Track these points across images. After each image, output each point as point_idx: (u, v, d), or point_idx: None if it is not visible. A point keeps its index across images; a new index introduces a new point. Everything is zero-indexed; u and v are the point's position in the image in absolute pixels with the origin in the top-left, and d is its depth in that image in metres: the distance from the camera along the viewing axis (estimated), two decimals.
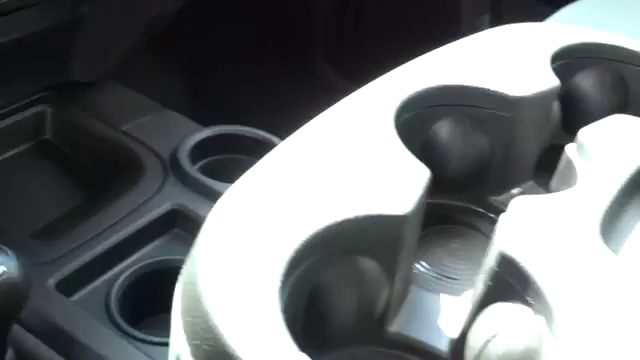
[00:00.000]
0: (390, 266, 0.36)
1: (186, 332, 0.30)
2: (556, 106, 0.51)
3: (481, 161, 0.49)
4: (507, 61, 0.49)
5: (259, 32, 1.38)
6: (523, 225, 0.35)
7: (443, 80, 0.46)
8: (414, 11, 1.28)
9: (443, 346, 0.38)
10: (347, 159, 0.37)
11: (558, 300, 0.30)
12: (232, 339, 0.27)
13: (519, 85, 0.46)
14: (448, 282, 0.44)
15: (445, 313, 0.40)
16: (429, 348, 0.38)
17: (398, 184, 0.36)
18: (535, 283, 0.32)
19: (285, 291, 0.30)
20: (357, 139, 0.39)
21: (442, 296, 0.42)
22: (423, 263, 0.46)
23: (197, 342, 0.29)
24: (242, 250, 0.31)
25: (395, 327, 0.39)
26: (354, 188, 0.35)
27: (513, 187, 0.51)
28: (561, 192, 0.38)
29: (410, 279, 0.41)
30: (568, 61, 0.54)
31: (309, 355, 0.35)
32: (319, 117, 0.40)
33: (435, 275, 0.45)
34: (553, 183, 0.46)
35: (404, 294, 0.40)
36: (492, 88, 0.46)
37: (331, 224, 0.33)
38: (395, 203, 0.34)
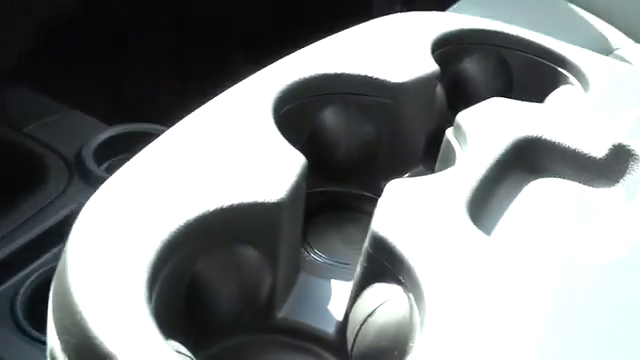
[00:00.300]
0: (271, 254, 0.36)
1: (56, 327, 0.30)
2: (440, 91, 0.53)
3: (369, 148, 0.49)
4: (389, 49, 0.50)
5: (177, 33, 1.37)
6: (395, 207, 0.35)
7: (325, 69, 0.46)
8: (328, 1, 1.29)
9: (330, 329, 0.39)
10: (222, 150, 0.37)
11: (426, 278, 0.31)
12: (98, 332, 0.27)
13: (399, 72, 0.47)
14: (340, 267, 0.45)
15: (334, 297, 0.41)
16: (317, 332, 0.39)
17: (272, 172, 0.36)
18: (405, 262, 0.32)
19: (157, 282, 0.30)
20: (234, 131, 0.39)
21: (333, 281, 0.42)
22: (315, 250, 0.47)
23: (66, 337, 0.29)
24: (111, 243, 0.31)
25: (283, 313, 0.39)
26: (228, 178, 0.35)
27: (404, 172, 0.52)
28: (435, 174, 0.39)
29: (298, 266, 0.42)
30: (452, 47, 0.55)
31: (195, 345, 0.35)
32: (199, 110, 0.40)
33: (327, 261, 0.46)
34: (437, 166, 0.47)
35: (292, 281, 0.41)
36: (373, 75, 0.47)
37: (204, 213, 0.33)
38: (268, 191, 0.35)
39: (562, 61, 0.55)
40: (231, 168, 0.36)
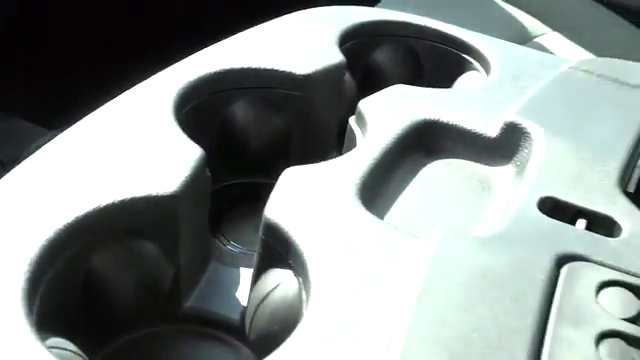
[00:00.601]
0: (171, 246, 0.36)
1: None
2: (350, 81, 0.52)
3: (281, 138, 0.49)
4: (296, 44, 0.49)
5: (117, 34, 1.34)
6: (287, 193, 0.35)
7: (232, 64, 0.46)
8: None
9: (236, 315, 0.38)
10: (118, 147, 0.37)
11: (313, 261, 0.31)
12: None
13: (305, 64, 0.47)
14: (250, 255, 0.44)
15: (242, 285, 0.40)
16: (223, 318, 0.38)
17: (167, 166, 0.35)
18: (294, 247, 0.32)
19: (42, 279, 0.29)
20: (131, 128, 0.38)
21: (243, 269, 0.42)
22: (229, 240, 0.46)
23: None
24: None
25: (191, 302, 0.39)
26: (122, 173, 0.35)
27: (318, 161, 0.51)
28: (331, 160, 0.38)
29: (206, 256, 0.41)
30: (361, 39, 0.55)
31: (99, 339, 0.34)
32: (99, 109, 0.39)
33: (239, 250, 0.45)
34: (343, 153, 0.46)
35: (200, 270, 0.40)
36: (279, 68, 0.46)
37: (95, 209, 0.32)
38: (162, 183, 0.34)
39: (467, 48, 0.55)
40: (126, 164, 0.35)
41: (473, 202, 0.40)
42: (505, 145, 0.42)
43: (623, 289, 0.31)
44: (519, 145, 0.42)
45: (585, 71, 0.50)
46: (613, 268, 0.32)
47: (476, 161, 0.43)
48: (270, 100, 0.47)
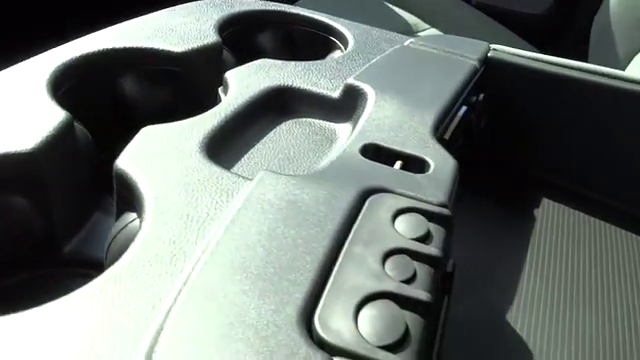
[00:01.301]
0: (41, 199, 0.32)
1: None
2: (230, 58, 0.49)
3: (166, 110, 0.45)
4: (180, 28, 0.46)
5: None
6: (138, 147, 0.32)
7: (119, 44, 0.42)
8: None
9: None
10: None
11: (150, 203, 0.28)
12: None
13: (184, 44, 0.44)
14: None
15: None
16: (98, 260, 0.35)
17: (31, 128, 0.31)
18: (138, 191, 0.29)
19: None
20: (6, 100, 0.34)
21: None
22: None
23: None
24: None
25: (70, 248, 0.35)
26: None
27: None
28: (184, 120, 0.35)
29: (87, 208, 0.37)
30: (244, 26, 0.52)
31: None
32: None
33: None
34: None
35: (79, 221, 0.36)
36: (160, 47, 0.43)
37: None
38: (22, 142, 0.30)
39: (331, 31, 0.52)
40: None
41: (314, 152, 0.37)
42: (346, 105, 0.40)
43: (418, 214, 0.28)
44: (356, 104, 0.39)
45: (422, 45, 0.48)
46: (413, 198, 0.30)
47: (322, 119, 0.40)
48: (153, 76, 0.44)
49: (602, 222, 0.47)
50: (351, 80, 0.40)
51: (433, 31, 1.06)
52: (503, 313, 0.37)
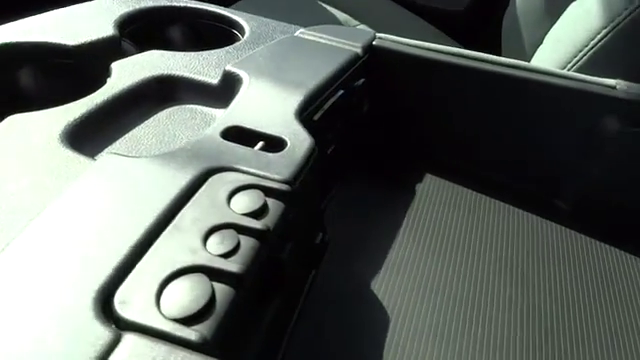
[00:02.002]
0: None
1: None
2: (130, 49, 0.46)
3: (63, 102, 0.42)
4: (79, 24, 0.43)
5: None
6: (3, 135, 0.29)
7: (15, 39, 0.39)
8: None
9: None
10: None
11: None
12: None
13: (79, 38, 0.41)
14: None
15: None
16: None
17: None
18: None
19: None
20: None
21: None
22: None
23: None
24: None
25: None
26: None
27: None
28: (53, 108, 0.32)
29: None
30: (151, 20, 0.49)
31: None
32: None
33: None
34: None
35: None
36: (55, 42, 0.40)
37: None
38: None
39: (231, 23, 0.50)
40: None
41: (187, 137, 0.35)
42: (224, 91, 0.37)
43: (257, 190, 0.27)
44: (234, 90, 0.37)
45: (311, 34, 0.46)
46: (256, 175, 0.28)
47: (203, 105, 0.38)
48: (49, 70, 0.41)
49: (483, 195, 0.46)
50: (229, 67, 0.38)
51: (362, 27, 1.04)
52: (369, 281, 0.36)
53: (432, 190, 0.46)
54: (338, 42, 0.45)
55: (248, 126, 0.32)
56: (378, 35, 0.47)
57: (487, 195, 0.46)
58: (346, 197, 0.43)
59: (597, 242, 0.44)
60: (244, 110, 0.34)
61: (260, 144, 0.32)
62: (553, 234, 0.44)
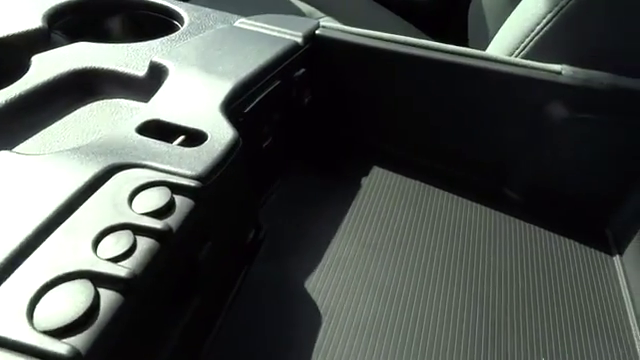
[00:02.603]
0: None
1: None
2: (62, 40, 0.44)
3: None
4: (9, 19, 0.41)
5: None
6: None
7: None
8: None
9: None
10: None
11: None
12: None
13: (6, 31, 0.38)
14: None
15: None
16: None
17: None
18: None
19: None
20: None
21: None
22: None
23: None
24: None
25: None
26: None
27: None
28: None
29: None
30: (77, 14, 0.47)
31: None
32: None
33: None
34: None
35: None
36: None
37: None
38: None
39: (171, 14, 0.47)
40: None
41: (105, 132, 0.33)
42: (151, 83, 0.36)
43: (164, 187, 0.25)
44: (160, 81, 0.35)
45: (251, 24, 0.44)
46: (165, 171, 0.26)
47: (130, 99, 0.36)
48: None
49: (430, 186, 0.45)
50: (156, 58, 0.36)
51: (328, 19, 1.02)
52: (304, 279, 0.34)
53: (378, 182, 0.44)
54: (278, 31, 0.43)
55: (167, 120, 0.30)
56: (322, 24, 0.46)
57: (435, 186, 0.45)
58: (288, 191, 0.41)
59: (547, 232, 0.43)
60: (166, 103, 0.32)
61: (180, 139, 0.30)
62: (502, 225, 0.43)
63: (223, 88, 0.33)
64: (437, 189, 0.45)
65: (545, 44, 0.43)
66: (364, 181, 0.44)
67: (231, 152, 0.29)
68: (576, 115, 0.41)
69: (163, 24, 0.49)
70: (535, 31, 0.43)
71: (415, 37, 0.45)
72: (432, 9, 1.18)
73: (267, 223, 0.37)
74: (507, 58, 0.42)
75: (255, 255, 0.34)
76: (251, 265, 0.34)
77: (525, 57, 0.44)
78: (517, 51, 0.45)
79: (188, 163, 0.27)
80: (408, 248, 0.38)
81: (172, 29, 0.48)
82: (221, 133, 0.30)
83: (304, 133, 0.46)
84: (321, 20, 1.04)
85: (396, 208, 0.42)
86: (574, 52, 0.42)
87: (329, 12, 1.02)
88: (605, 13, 0.40)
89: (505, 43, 0.47)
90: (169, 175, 0.26)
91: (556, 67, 0.41)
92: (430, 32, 1.09)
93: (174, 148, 0.28)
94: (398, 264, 0.37)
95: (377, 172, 0.45)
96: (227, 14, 0.49)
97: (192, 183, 0.25)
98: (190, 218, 0.24)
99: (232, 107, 0.33)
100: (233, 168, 0.29)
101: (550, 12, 0.42)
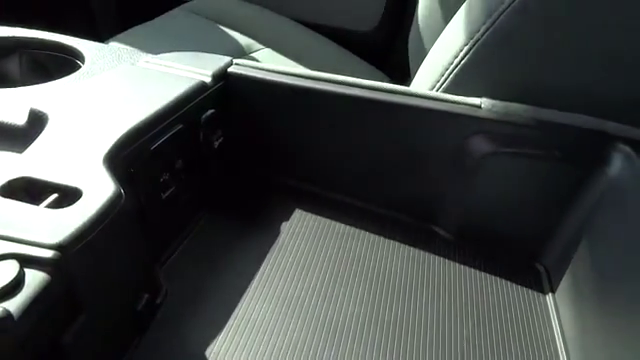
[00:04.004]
0: None
1: None
2: None
3: None
4: None
5: None
6: None
7: None
8: None
9: None
10: None
11: None
12: None
13: None
14: None
15: None
16: None
17: None
18: None
19: None
20: None
21: None
22: None
23: None
24: None
25: None
26: None
27: None
28: None
29: None
30: None
31: None
32: None
33: None
34: None
35: None
36: None
37: None
38: None
39: (69, 51, 0.44)
40: None
41: None
42: (32, 133, 0.32)
43: (12, 260, 0.22)
44: (39, 130, 0.32)
45: (156, 63, 0.42)
46: (19, 241, 0.23)
47: (10, 150, 0.32)
48: None
49: (353, 227, 0.43)
50: (35, 106, 0.33)
51: (267, 51, 1.01)
52: (204, 347, 0.31)
53: (298, 226, 0.42)
54: (186, 70, 0.40)
55: (37, 176, 0.27)
56: (235, 61, 0.44)
57: (361, 228, 0.43)
58: (195, 245, 0.38)
59: (478, 270, 0.41)
60: (39, 156, 0.29)
61: (51, 198, 0.27)
62: (433, 265, 0.41)
63: (110, 137, 0.30)
64: (362, 230, 0.43)
65: (464, 77, 0.42)
66: (283, 226, 0.41)
67: (109, 210, 0.26)
68: (498, 149, 0.40)
69: (67, 64, 0.46)
70: (454, 64, 0.42)
71: (356, 67, 0.43)
72: (373, 39, 1.19)
73: (170, 282, 0.34)
74: (427, 92, 0.41)
75: (149, 322, 0.31)
76: (143, 334, 0.30)
77: (445, 91, 0.43)
78: (438, 84, 0.44)
79: (50, 229, 0.23)
80: (327, 301, 0.36)
81: (75, 69, 0.45)
82: (99, 189, 0.27)
83: (216, 178, 0.43)
84: (259, 52, 1.03)
85: (317, 255, 0.39)
86: (494, 85, 0.41)
87: (268, 44, 1.01)
88: (521, 44, 0.39)
89: (427, 77, 0.46)
90: (22, 245, 0.22)
91: (475, 100, 0.40)
92: (373, 61, 1.09)
93: (39, 211, 0.25)
94: (315, 321, 0.34)
95: (297, 214, 0.43)
96: (136, 51, 0.46)
97: (47, 254, 0.22)
98: (43, 296, 0.21)
99: (121, 157, 0.30)
100: (115, 227, 0.26)
101: (466, 44, 0.41)
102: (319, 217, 0.43)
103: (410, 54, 0.95)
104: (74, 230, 0.24)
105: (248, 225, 0.41)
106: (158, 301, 0.32)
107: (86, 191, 0.26)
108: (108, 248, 0.26)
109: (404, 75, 0.92)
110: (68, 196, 0.27)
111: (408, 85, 0.48)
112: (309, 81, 0.42)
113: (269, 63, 0.54)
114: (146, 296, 0.30)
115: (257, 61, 0.97)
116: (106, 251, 0.26)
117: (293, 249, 0.39)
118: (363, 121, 0.43)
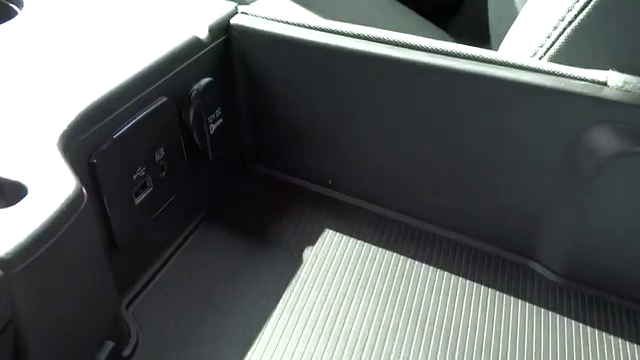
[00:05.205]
0: None
1: None
2: None
3: None
4: None
5: None
6: None
7: None
8: None
9: None
10: None
11: None
12: None
13: None
14: None
15: None
16: None
17: None
18: None
19: None
20: None
21: None
22: None
23: None
24: None
25: None
26: None
27: None
28: None
29: None
30: None
31: None
32: None
33: None
34: None
35: None
36: None
37: None
38: None
39: None
40: None
41: None
42: None
43: None
44: None
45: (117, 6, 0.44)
46: None
47: None
48: None
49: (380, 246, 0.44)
50: None
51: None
52: None
53: (326, 250, 0.43)
54: (171, 19, 0.42)
55: None
56: (241, 8, 0.45)
57: (403, 248, 0.44)
58: (179, 271, 0.40)
59: (587, 327, 0.42)
60: None
61: None
62: (527, 313, 0.42)
63: (64, 113, 0.32)
64: (398, 254, 0.44)
65: (581, 41, 0.43)
66: (305, 250, 0.43)
67: (66, 214, 0.27)
68: (631, 148, 0.41)
69: None
70: (566, 20, 0.43)
71: (406, 20, 0.44)
72: None
73: (142, 326, 0.35)
74: (527, 61, 0.42)
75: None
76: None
77: (552, 60, 0.44)
78: (541, 51, 0.44)
79: None
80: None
81: (7, 13, 0.48)
82: (51, 184, 0.28)
83: (211, 176, 0.45)
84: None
85: (337, 279, 0.41)
86: (625, 53, 0.42)
87: None
88: None
89: (524, 40, 0.47)
90: None
91: (599, 75, 0.41)
92: (427, 16, 1.10)
93: None
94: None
95: (326, 234, 0.44)
96: None
97: None
98: None
99: (80, 141, 0.32)
100: (71, 241, 0.28)
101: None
102: (346, 236, 0.44)
103: (490, 6, 0.97)
104: (20, 241, 0.25)
105: (252, 238, 0.43)
106: (125, 353, 0.33)
107: (31, 187, 0.28)
108: (60, 271, 0.28)
109: (475, 38, 0.93)
110: (6, 194, 0.28)
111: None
112: (348, 39, 0.43)
113: (288, 9, 0.55)
114: (111, 344, 0.32)
115: (271, 7, 1.00)
116: (58, 274, 0.27)
117: (310, 272, 0.41)
118: (427, 101, 0.44)
